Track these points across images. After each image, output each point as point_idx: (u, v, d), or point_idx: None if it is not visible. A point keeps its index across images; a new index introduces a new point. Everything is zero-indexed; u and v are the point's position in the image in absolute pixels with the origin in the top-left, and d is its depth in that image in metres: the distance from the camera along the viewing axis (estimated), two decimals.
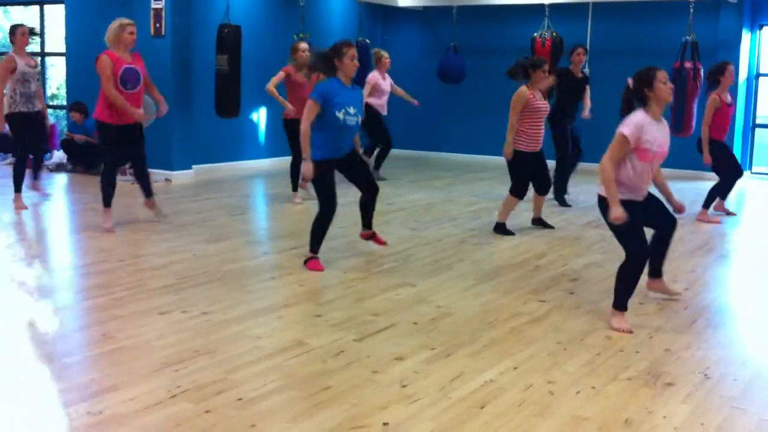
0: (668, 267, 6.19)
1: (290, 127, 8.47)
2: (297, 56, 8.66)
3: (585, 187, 9.73)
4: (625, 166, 4.66)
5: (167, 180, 10.11)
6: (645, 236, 4.72)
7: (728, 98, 8.29)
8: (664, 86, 4.66)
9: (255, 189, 10.55)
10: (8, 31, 8.21)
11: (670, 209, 5.07)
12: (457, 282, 5.72)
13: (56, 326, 4.60)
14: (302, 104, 8.41)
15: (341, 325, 4.66)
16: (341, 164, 5.99)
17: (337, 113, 5.67)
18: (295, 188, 8.87)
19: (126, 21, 7.03)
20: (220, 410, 3.44)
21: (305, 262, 5.93)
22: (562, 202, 8.94)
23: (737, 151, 11.96)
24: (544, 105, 7.21)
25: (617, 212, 4.52)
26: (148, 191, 7.48)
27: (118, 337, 4.35)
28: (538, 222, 7.74)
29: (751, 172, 12.23)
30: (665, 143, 4.73)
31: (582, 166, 9.65)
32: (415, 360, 4.11)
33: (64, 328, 4.58)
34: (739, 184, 11.37)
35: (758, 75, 12.17)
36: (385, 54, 10.61)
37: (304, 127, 5.69)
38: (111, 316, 4.70)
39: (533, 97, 7.09)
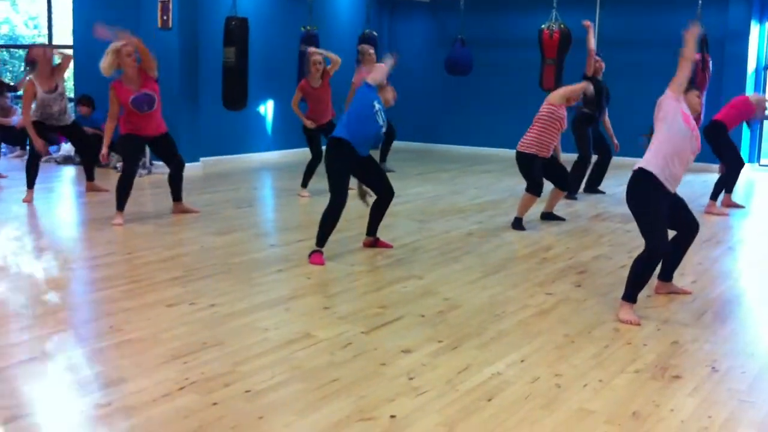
0: None
1: (308, 132, 8.80)
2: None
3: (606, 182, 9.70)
4: (674, 139, 4.71)
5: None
6: (667, 233, 4.71)
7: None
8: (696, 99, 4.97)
9: (262, 181, 10.56)
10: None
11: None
12: (464, 274, 5.72)
13: (64, 318, 4.61)
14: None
15: (348, 317, 4.67)
16: (358, 167, 6.08)
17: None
18: (305, 185, 8.88)
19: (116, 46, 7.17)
20: (228, 402, 3.45)
21: (309, 255, 5.95)
22: (570, 196, 8.95)
23: (745, 143, 11.93)
24: (564, 118, 7.34)
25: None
26: (177, 195, 7.71)
27: (126, 329, 4.36)
28: (548, 216, 7.75)
29: (759, 164, 12.19)
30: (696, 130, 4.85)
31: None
32: (422, 352, 4.11)
33: (72, 320, 4.60)
34: (747, 175, 11.38)
35: (766, 67, 12.12)
36: (370, 51, 10.36)
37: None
38: (119, 309, 4.71)
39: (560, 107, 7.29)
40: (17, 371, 3.78)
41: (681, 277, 5.63)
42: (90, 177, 8.88)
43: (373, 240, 6.45)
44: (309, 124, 8.70)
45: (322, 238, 5.95)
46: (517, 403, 3.53)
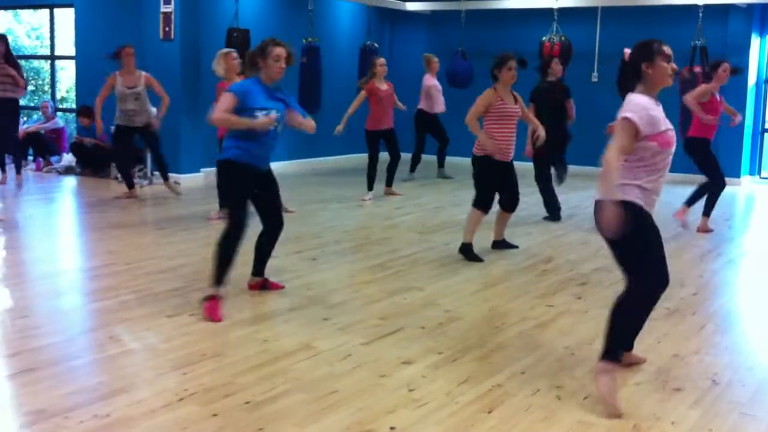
0: (676, 271, 6.18)
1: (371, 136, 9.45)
2: (376, 70, 9.42)
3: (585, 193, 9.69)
4: (641, 163, 3.66)
5: (176, 183, 10.12)
6: (665, 260, 3.74)
7: (717, 96, 7.72)
8: (666, 65, 3.68)
9: None
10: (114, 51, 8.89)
11: None
12: (465, 286, 5.71)
13: (64, 329, 4.61)
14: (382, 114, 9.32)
15: (348, 328, 4.66)
16: (261, 181, 5.10)
17: (257, 113, 4.85)
18: (370, 187, 9.55)
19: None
20: (228, 413, 3.45)
21: (203, 301, 4.85)
22: (555, 218, 8.28)
23: (746, 156, 11.94)
24: (514, 109, 6.43)
25: (610, 209, 3.51)
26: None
27: (126, 340, 4.36)
28: (501, 245, 6.93)
29: (760, 177, 12.20)
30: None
31: (582, 170, 9.57)
32: (423, 364, 4.10)
33: (71, 330, 4.59)
34: (747, 188, 11.38)
35: (767, 80, 12.13)
36: (435, 58, 11.29)
37: (216, 115, 4.92)
38: (118, 319, 4.71)
39: (501, 101, 6.38)
40: (16, 381, 3.78)
41: (682, 289, 5.63)
42: (165, 177, 9.27)
43: (261, 281, 5.41)
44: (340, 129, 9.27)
45: (218, 275, 4.82)
46: (518, 415, 3.52)
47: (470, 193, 10.23)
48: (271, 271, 6.02)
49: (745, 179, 11.89)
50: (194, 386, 3.72)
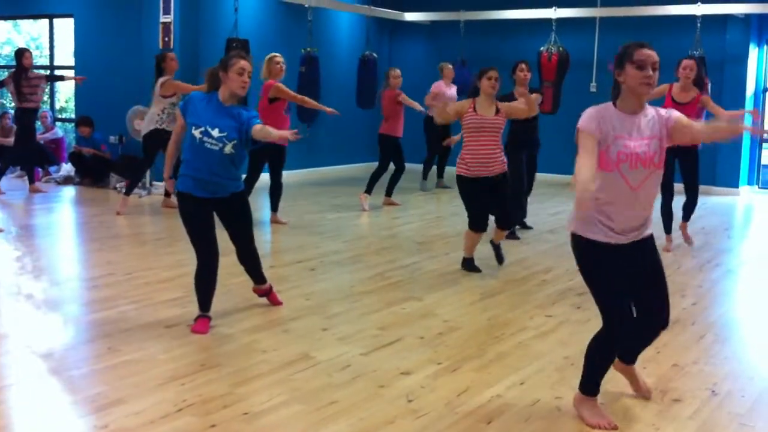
0: (676, 281, 6.19)
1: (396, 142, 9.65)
2: (391, 82, 9.56)
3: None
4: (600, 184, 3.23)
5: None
6: (626, 298, 3.51)
7: (682, 96, 6.90)
8: (638, 72, 3.24)
9: (261, 202, 10.55)
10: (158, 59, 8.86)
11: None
12: (464, 296, 5.71)
13: (63, 339, 4.60)
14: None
15: (347, 338, 4.65)
16: (219, 209, 4.84)
17: (193, 131, 4.63)
18: (388, 193, 9.79)
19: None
20: (226, 424, 3.44)
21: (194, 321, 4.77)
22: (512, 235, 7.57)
23: (744, 167, 11.95)
24: (492, 121, 6.12)
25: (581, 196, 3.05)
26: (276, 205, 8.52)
27: (125, 350, 4.35)
28: (495, 248, 6.58)
29: (759, 187, 12.22)
30: (644, 146, 3.29)
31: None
32: (422, 374, 4.10)
33: (70, 341, 4.59)
34: (746, 198, 11.39)
35: (765, 90, 12.15)
36: (449, 65, 11.28)
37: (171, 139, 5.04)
38: (117, 330, 4.70)
39: (472, 111, 6.11)
40: (14, 392, 3.77)
41: (682, 299, 5.63)
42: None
43: (264, 289, 5.30)
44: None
45: (202, 303, 4.78)
46: (518, 425, 3.51)
47: None
48: (270, 280, 6.02)
49: (744, 189, 11.89)
50: (192, 397, 3.71)
